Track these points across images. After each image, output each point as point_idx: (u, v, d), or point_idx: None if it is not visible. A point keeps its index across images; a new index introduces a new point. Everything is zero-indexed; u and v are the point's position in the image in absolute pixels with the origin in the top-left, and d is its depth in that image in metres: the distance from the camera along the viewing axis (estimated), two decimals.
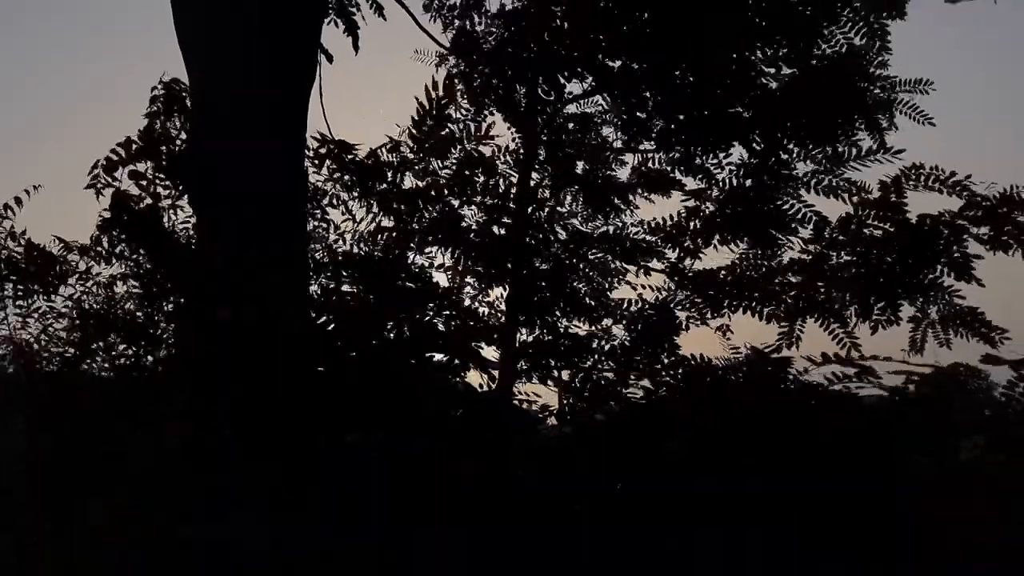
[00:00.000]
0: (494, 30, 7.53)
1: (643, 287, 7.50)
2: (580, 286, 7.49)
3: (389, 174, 7.11)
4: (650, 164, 7.65)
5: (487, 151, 7.41)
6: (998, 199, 6.70)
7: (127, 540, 5.06)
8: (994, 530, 4.29)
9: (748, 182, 7.13)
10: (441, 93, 6.76)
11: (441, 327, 6.63)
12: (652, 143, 7.48)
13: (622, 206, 7.66)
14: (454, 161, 7.25)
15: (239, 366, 5.46)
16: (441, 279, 7.39)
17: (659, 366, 6.43)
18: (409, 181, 7.21)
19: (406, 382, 5.50)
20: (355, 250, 6.59)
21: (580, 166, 7.62)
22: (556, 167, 7.52)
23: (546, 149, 7.58)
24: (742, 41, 6.44)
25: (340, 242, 6.68)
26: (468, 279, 7.45)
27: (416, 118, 6.75)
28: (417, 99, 6.66)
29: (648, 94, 7.12)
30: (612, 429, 5.62)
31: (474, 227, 7.16)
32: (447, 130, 7.08)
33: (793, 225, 7.04)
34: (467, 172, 7.14)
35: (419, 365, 6.03)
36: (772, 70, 6.97)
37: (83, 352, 5.31)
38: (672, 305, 7.17)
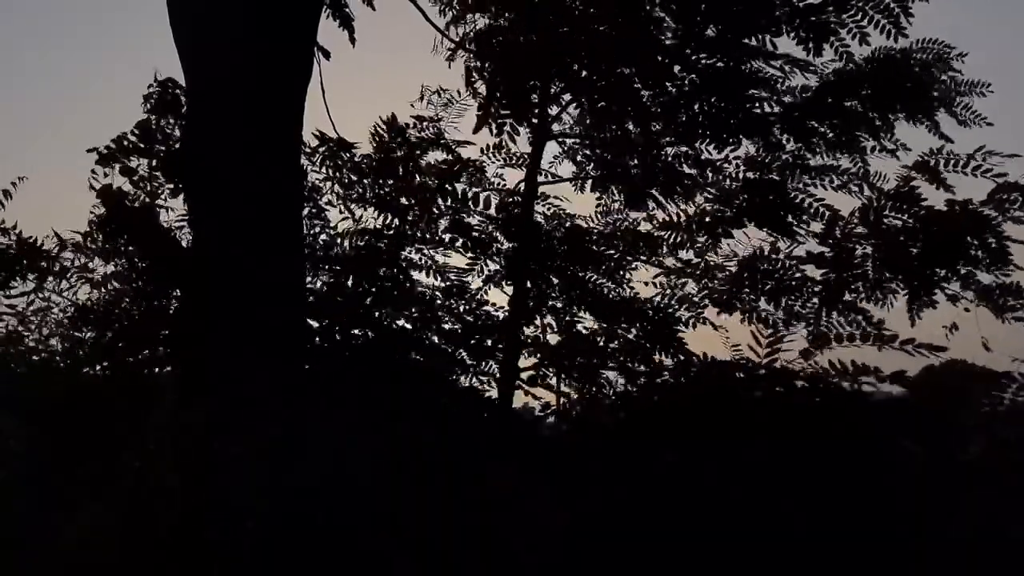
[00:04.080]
0: (506, 25, 7.46)
1: (645, 284, 7.41)
2: (597, 279, 7.37)
3: (400, 169, 7.10)
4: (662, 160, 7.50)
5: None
6: None
7: (126, 539, 5.08)
8: (994, 529, 4.16)
9: (759, 174, 6.99)
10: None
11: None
12: (672, 137, 7.36)
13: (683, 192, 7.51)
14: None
15: (238, 364, 5.47)
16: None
17: (664, 364, 6.34)
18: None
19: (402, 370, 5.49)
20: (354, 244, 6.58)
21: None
22: (602, 163, 7.46)
23: (591, 148, 7.51)
24: (741, 27, 6.29)
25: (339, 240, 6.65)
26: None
27: None
28: None
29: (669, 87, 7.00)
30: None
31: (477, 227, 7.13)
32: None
33: (804, 217, 6.88)
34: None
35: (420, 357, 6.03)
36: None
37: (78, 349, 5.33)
38: (678, 302, 7.05)
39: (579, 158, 7.79)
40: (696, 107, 6.59)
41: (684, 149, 7.04)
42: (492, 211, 7.14)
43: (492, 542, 5.09)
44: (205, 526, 5.07)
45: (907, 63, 6.84)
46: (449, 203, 6.99)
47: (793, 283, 7.12)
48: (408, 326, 6.26)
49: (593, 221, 7.60)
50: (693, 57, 6.40)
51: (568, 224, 7.47)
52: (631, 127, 7.16)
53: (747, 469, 4.70)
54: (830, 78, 6.94)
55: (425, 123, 7.06)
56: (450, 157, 6.94)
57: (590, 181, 7.71)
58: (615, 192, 7.72)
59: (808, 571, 4.45)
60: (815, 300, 7.25)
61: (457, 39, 7.70)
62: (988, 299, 6.72)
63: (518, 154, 7.36)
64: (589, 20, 6.53)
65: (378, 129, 6.91)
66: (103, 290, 5.68)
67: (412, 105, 7.41)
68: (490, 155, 7.30)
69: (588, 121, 7.71)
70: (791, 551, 4.49)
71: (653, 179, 7.41)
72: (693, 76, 6.47)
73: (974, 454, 4.48)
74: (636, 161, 7.52)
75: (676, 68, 6.54)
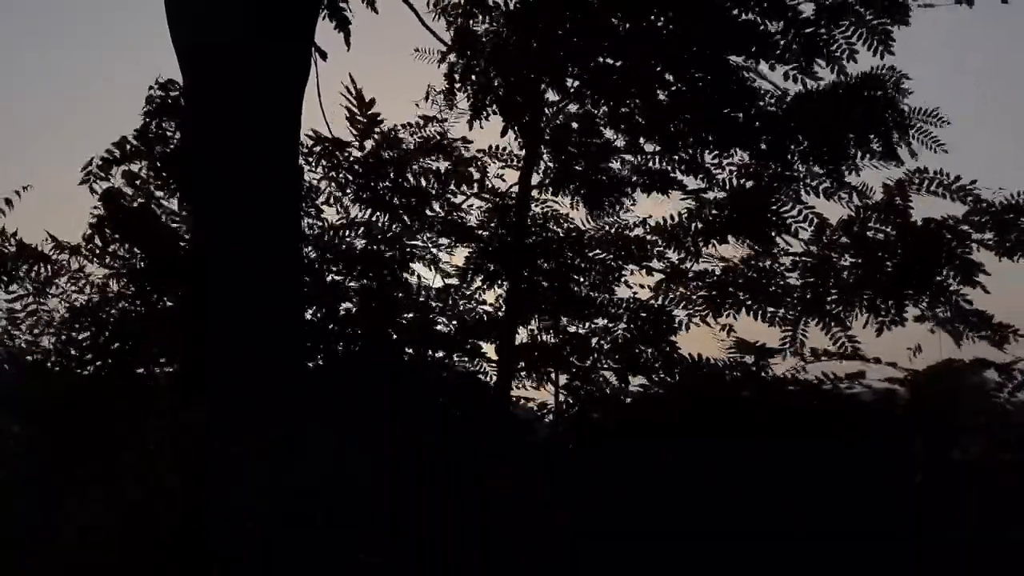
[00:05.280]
0: (498, 29, 7.49)
1: (640, 287, 7.48)
2: (583, 284, 7.44)
3: (391, 171, 7.11)
4: (651, 164, 7.58)
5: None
6: (1004, 206, 6.62)
7: (126, 539, 5.05)
8: (994, 529, 4.27)
9: (749, 183, 7.10)
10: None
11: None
12: (656, 144, 7.44)
13: (619, 202, 7.58)
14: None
15: (238, 364, 5.47)
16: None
17: (656, 364, 6.41)
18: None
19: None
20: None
21: (580, 165, 7.56)
22: (558, 165, 7.50)
23: (551, 148, 7.54)
24: (726, 42, 6.39)
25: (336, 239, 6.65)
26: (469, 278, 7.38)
27: None
28: None
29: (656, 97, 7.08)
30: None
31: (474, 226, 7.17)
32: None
33: (793, 227, 6.99)
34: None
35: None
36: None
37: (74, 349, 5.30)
38: (670, 304, 7.13)
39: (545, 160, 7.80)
40: (689, 113, 6.69)
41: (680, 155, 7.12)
42: (487, 204, 7.20)
43: (492, 542, 5.13)
44: (205, 526, 5.06)
45: (859, 93, 6.95)
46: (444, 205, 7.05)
47: (779, 291, 7.24)
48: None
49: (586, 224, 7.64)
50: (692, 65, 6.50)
51: (554, 225, 7.53)
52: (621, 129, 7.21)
53: (747, 469, 4.79)
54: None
55: (430, 123, 7.09)
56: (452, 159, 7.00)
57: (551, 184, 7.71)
58: (571, 194, 7.75)
59: (808, 571, 4.55)
60: (797, 308, 7.38)
61: (449, 43, 7.71)
62: (948, 324, 6.88)
63: (515, 155, 7.40)
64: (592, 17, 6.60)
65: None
66: (99, 290, 5.63)
67: (417, 105, 7.43)
68: (489, 156, 7.34)
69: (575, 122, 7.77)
70: (791, 551, 4.58)
71: (612, 185, 7.48)
72: (689, 79, 6.57)
73: (974, 454, 4.59)
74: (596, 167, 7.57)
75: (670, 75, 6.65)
